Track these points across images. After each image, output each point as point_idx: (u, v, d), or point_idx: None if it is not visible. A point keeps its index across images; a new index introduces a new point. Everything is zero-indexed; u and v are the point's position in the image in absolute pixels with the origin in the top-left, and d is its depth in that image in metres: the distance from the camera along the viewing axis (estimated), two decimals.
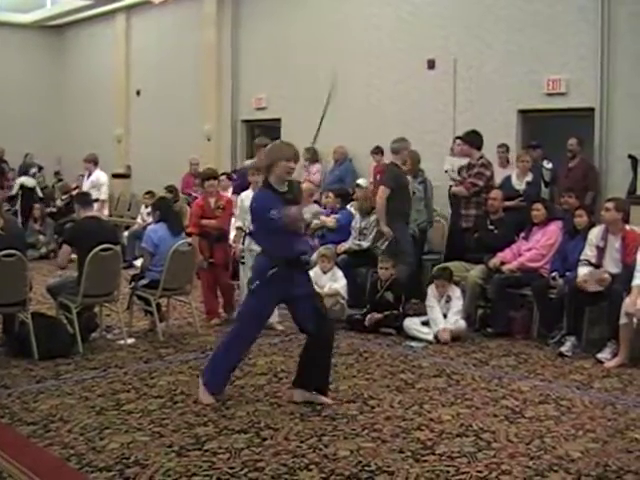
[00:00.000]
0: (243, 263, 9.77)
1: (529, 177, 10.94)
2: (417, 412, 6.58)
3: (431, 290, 9.53)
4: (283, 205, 6.45)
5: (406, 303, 9.84)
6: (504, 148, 12.31)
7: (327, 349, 6.82)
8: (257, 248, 9.59)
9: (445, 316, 9.32)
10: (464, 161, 11.19)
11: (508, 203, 10.67)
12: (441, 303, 9.43)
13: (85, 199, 9.39)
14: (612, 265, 8.71)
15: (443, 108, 13.56)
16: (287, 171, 6.57)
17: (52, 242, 16.21)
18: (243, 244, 9.76)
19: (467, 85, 13.35)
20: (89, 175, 15.39)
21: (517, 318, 9.58)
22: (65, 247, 8.86)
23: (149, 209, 12.99)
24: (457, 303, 9.40)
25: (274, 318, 9.76)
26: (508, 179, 11.29)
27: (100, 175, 15.29)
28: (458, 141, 11.75)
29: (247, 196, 9.83)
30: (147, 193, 15.48)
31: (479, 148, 10.76)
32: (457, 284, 9.88)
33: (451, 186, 11.55)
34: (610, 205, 8.77)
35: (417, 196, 10.84)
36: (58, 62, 23.88)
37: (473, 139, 10.83)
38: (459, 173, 11.13)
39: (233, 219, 10.58)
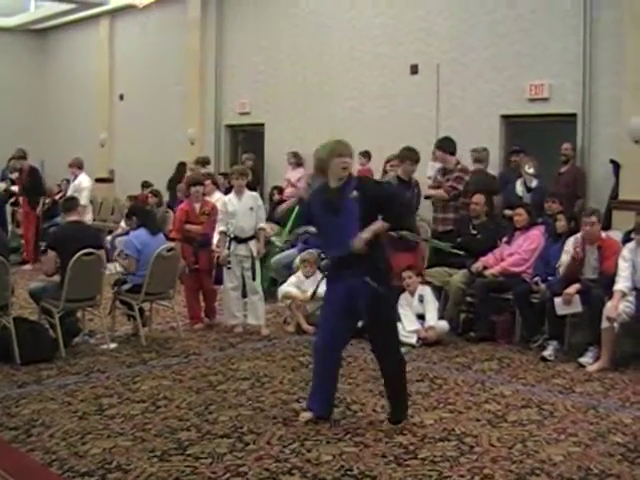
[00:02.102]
0: (229, 268, 9.75)
1: (534, 184, 10.95)
2: None
3: (403, 297, 9.53)
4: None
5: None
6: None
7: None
8: (243, 253, 9.63)
9: (422, 317, 9.37)
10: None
11: (509, 212, 10.69)
12: (414, 303, 9.46)
13: (69, 204, 9.37)
14: (591, 273, 8.76)
15: (426, 113, 13.59)
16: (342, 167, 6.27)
17: None
18: (229, 249, 9.72)
19: (450, 90, 13.39)
20: (74, 179, 15.41)
21: (500, 322, 9.60)
22: (50, 253, 8.80)
23: None
24: (431, 300, 9.46)
25: (261, 321, 9.77)
26: (512, 186, 11.27)
27: (82, 179, 15.29)
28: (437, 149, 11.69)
29: (230, 200, 9.81)
30: (129, 197, 15.46)
31: (453, 154, 10.79)
32: (440, 289, 9.92)
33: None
34: (594, 219, 8.76)
35: None
36: (42, 66, 23.85)
37: (447, 145, 10.87)
38: (435, 178, 11.11)
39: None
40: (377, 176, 12.97)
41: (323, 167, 6.32)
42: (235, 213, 9.65)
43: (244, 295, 9.86)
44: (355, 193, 6.17)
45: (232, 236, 9.68)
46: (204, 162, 15.66)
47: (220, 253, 9.90)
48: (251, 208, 9.71)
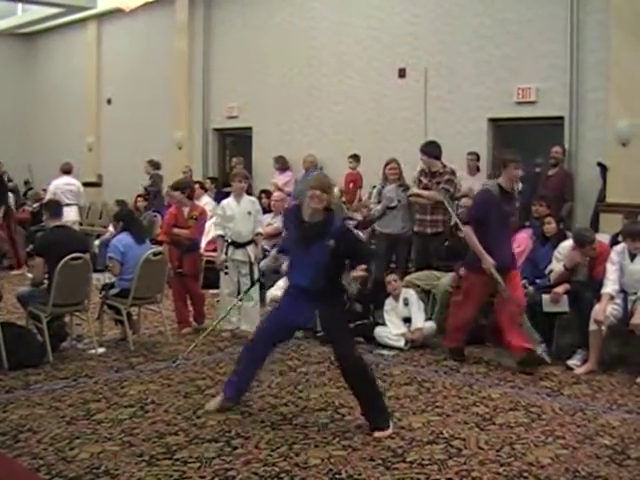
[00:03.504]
0: (226, 273, 9.70)
1: (519, 187, 10.96)
2: None
3: (388, 302, 9.55)
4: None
5: (375, 311, 9.81)
6: (474, 156, 12.38)
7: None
8: (241, 258, 9.55)
9: (409, 320, 9.37)
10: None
11: None
12: (400, 307, 9.46)
13: (54, 208, 9.32)
14: (582, 276, 8.78)
15: (414, 117, 13.62)
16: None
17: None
18: (226, 254, 9.69)
19: (438, 93, 13.42)
20: None
21: (488, 325, 9.60)
22: (38, 259, 8.74)
23: None
24: (416, 302, 9.47)
25: (254, 327, 9.67)
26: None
27: (52, 183, 15.38)
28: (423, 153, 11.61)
29: (229, 204, 9.75)
30: (117, 201, 15.44)
31: (438, 157, 10.77)
32: (428, 293, 9.93)
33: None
34: (595, 245, 8.74)
35: (402, 204, 10.78)
36: (29, 70, 23.81)
37: (432, 149, 10.80)
38: (420, 181, 10.99)
39: (207, 226, 10.63)
40: (370, 179, 13.04)
41: (301, 199, 6.68)
42: (233, 217, 9.57)
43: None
44: (332, 243, 6.26)
45: (229, 241, 9.63)
46: (155, 165, 15.92)
47: (216, 258, 9.89)
48: (249, 212, 9.64)
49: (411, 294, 9.48)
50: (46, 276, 8.71)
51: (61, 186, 15.33)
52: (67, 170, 15.68)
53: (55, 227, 9.01)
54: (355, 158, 14.14)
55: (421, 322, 9.33)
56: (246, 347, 6.92)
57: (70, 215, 15.24)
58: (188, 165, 17.15)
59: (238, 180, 9.75)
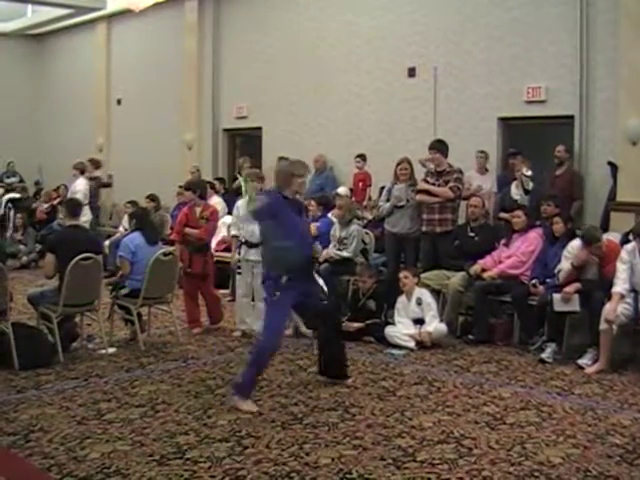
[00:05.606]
0: (239, 273, 9.69)
1: (531, 186, 10.94)
2: (398, 419, 6.59)
3: (400, 301, 9.54)
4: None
5: (387, 311, 9.80)
6: (483, 154, 12.33)
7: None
8: (254, 258, 9.45)
9: (421, 320, 9.34)
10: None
11: (504, 215, 10.74)
12: (412, 307, 9.44)
13: (73, 208, 9.26)
14: (592, 274, 8.77)
15: (424, 116, 13.59)
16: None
17: (33, 252, 16.15)
18: (239, 254, 9.68)
19: (448, 93, 13.39)
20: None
21: (498, 325, 9.62)
22: (49, 256, 8.77)
23: None
24: (431, 305, 9.42)
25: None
26: (507, 189, 11.31)
27: (77, 183, 15.36)
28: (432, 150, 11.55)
29: (243, 205, 9.72)
30: (129, 202, 15.46)
31: (446, 156, 10.75)
32: (438, 292, 9.91)
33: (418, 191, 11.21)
34: (602, 242, 8.72)
35: (410, 204, 10.75)
36: (39, 71, 23.84)
37: (442, 147, 10.79)
38: (426, 180, 10.92)
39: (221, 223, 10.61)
40: (379, 179, 13.05)
41: (288, 181, 7.15)
42: (247, 217, 9.53)
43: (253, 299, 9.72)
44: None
45: (243, 240, 9.61)
46: (97, 164, 16.07)
47: (231, 258, 9.90)
48: None
49: (425, 294, 9.44)
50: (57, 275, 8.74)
51: (87, 185, 15.43)
52: (84, 170, 15.76)
53: (69, 226, 9.02)
54: (362, 157, 14.13)
55: (432, 325, 9.28)
56: (263, 356, 7.15)
57: (88, 214, 15.33)
58: (196, 165, 17.12)
59: (251, 180, 9.69)
